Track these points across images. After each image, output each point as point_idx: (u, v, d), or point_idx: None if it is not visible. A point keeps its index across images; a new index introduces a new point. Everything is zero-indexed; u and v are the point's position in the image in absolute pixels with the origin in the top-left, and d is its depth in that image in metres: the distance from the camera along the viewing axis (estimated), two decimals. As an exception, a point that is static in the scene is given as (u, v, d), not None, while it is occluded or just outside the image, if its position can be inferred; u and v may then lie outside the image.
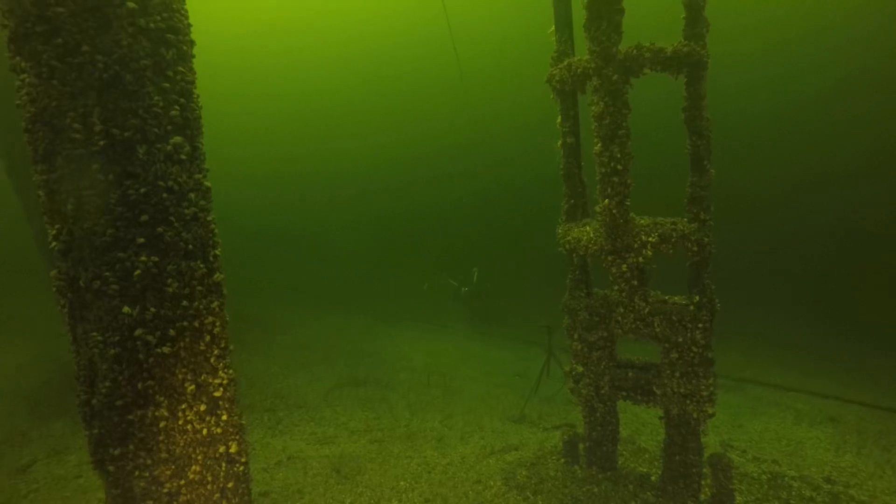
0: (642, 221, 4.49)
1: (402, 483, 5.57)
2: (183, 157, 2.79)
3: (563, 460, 5.69)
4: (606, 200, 4.31)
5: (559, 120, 4.92)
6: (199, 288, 2.92)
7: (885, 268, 15.87)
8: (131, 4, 2.53)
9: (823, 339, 13.77)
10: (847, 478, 6.01)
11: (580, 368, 5.13)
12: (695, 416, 4.56)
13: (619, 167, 4.23)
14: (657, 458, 5.90)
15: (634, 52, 4.14)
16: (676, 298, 4.73)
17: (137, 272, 2.64)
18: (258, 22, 33.19)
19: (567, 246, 4.86)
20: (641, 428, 7.32)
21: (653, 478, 5.31)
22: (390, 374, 10.13)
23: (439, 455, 6.35)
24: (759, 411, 8.70)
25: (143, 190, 2.62)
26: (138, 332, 2.67)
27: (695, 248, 4.34)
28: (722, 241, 4.59)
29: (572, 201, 4.97)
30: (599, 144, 4.27)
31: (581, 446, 5.50)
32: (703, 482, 4.88)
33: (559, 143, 4.96)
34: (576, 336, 5.10)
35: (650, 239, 4.28)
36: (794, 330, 14.56)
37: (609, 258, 4.44)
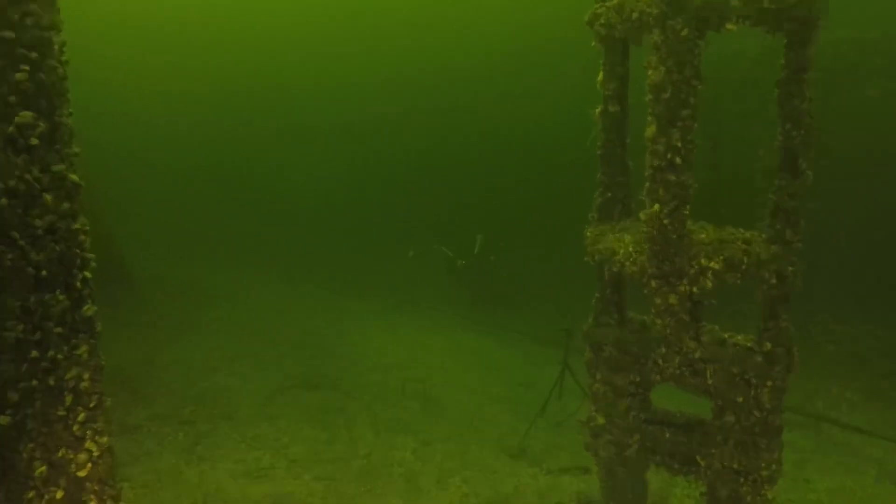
0: (702, 235, 4.20)
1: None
2: (34, 141, 2.46)
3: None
4: (656, 206, 4.00)
5: (600, 78, 4.54)
6: (58, 330, 2.67)
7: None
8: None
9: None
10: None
11: (601, 420, 4.95)
12: (749, 500, 4.42)
13: (679, 160, 3.90)
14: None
15: (716, -4, 3.74)
16: (740, 338, 4.50)
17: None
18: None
19: (596, 256, 4.59)
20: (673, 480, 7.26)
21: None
22: (354, 374, 10.03)
23: (405, 507, 6.29)
24: (830, 459, 8.65)
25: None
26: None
27: (773, 281, 4.07)
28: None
29: (609, 194, 4.66)
30: (654, 126, 3.93)
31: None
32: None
33: (597, 110, 4.60)
34: (598, 376, 4.90)
35: (712, 265, 4.00)
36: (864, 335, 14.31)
37: (653, 284, 4.17)
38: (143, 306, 11.28)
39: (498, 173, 24.36)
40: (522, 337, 13.06)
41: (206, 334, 10.53)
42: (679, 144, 3.85)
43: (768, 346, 4.23)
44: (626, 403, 4.83)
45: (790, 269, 4.10)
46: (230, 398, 8.44)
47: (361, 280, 16.48)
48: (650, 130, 3.94)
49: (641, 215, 4.13)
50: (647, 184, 4.07)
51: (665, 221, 4.00)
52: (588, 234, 4.69)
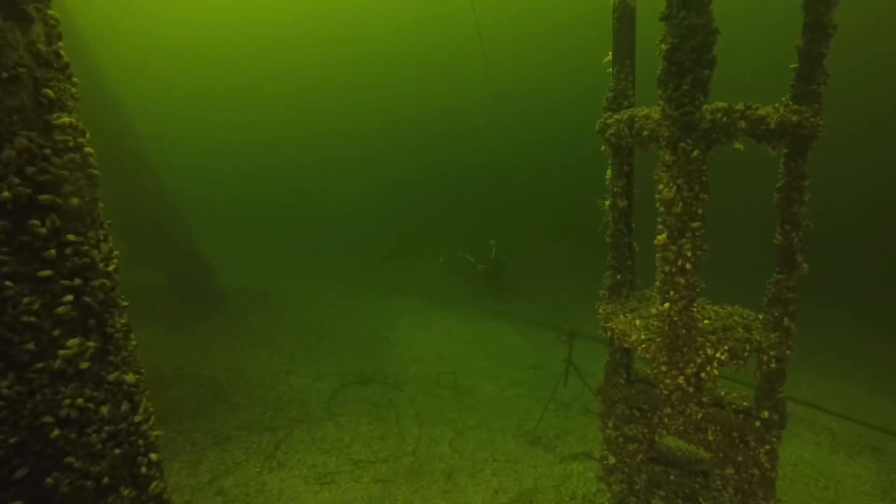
0: (706, 322, 3.57)
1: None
2: (83, 365, 1.92)
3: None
4: (667, 304, 3.38)
5: (609, 176, 3.87)
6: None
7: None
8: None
9: (845, 331, 12.89)
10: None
11: (612, 460, 4.41)
12: (747, 539, 3.87)
13: (689, 266, 3.26)
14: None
15: (723, 118, 3.04)
16: (735, 397, 3.90)
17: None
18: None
19: (609, 333, 3.98)
20: None
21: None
22: (399, 367, 9.59)
23: (448, 507, 5.85)
24: (789, 432, 8.04)
25: None
26: None
27: (773, 365, 3.45)
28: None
29: (618, 276, 4.02)
30: (665, 235, 3.28)
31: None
32: None
33: (606, 203, 3.94)
34: (610, 425, 4.34)
35: (718, 355, 3.39)
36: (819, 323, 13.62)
37: (663, 368, 3.57)
38: (231, 316, 10.89)
39: (508, 188, 23.66)
40: (530, 323, 12.51)
41: (283, 340, 10.11)
42: (689, 254, 3.21)
43: (766, 414, 3.63)
44: (634, 447, 4.28)
45: (788, 353, 3.47)
46: (303, 399, 8.04)
47: (403, 283, 15.94)
48: (661, 238, 3.29)
49: (653, 311, 3.51)
50: (658, 283, 3.44)
51: (675, 318, 3.38)
52: (601, 311, 4.08)
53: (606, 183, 3.90)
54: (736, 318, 3.66)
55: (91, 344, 1.87)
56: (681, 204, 3.13)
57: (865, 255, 15.21)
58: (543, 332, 11.81)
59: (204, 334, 9.81)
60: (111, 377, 1.98)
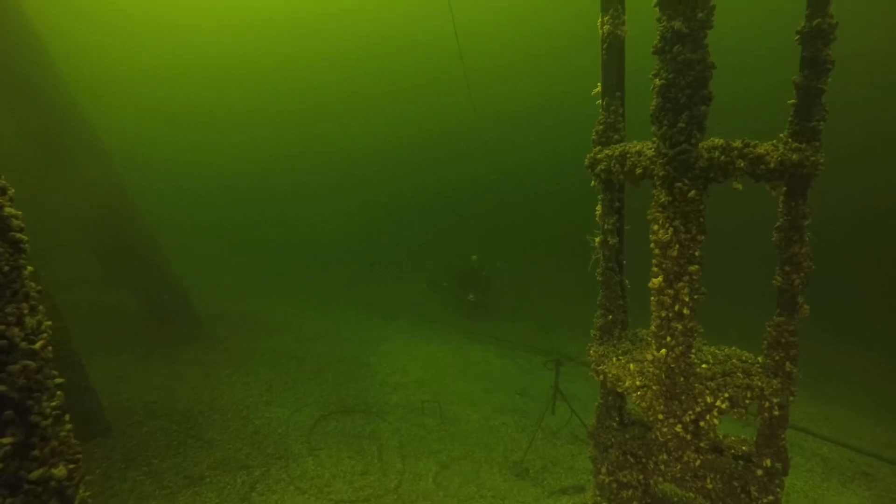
0: (703, 366, 3.36)
1: None
2: None
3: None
4: (663, 350, 3.16)
5: (598, 212, 3.66)
6: None
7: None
8: None
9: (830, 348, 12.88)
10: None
11: (606, 507, 4.15)
12: None
13: (686, 311, 3.05)
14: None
15: (721, 157, 2.86)
16: (733, 439, 3.68)
17: None
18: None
19: (600, 377, 3.75)
20: None
21: None
22: (381, 395, 9.25)
23: (432, 554, 5.52)
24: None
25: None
26: None
27: (775, 412, 3.24)
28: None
29: (610, 317, 3.80)
30: (661, 278, 3.06)
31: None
32: None
33: (596, 239, 3.73)
34: (603, 470, 4.09)
35: (718, 403, 3.17)
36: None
37: (660, 416, 3.35)
38: (208, 341, 10.46)
39: (490, 207, 23.63)
40: (515, 346, 12.26)
41: (262, 367, 9.70)
42: (687, 299, 3.00)
43: (769, 462, 3.41)
44: (629, 494, 4.03)
45: (791, 398, 3.27)
46: (280, 433, 7.65)
47: (385, 305, 15.60)
48: (656, 282, 3.08)
49: (648, 356, 3.29)
50: (653, 327, 3.22)
51: (672, 366, 3.16)
52: (592, 352, 3.85)
53: (596, 219, 3.69)
54: (735, 361, 3.46)
55: (6, 441, 1.58)
56: (677, 247, 2.93)
57: (850, 272, 15.28)
58: (529, 355, 11.57)
59: (178, 362, 9.38)
60: (34, 475, 1.68)
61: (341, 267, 20.35)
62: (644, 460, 3.85)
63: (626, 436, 3.89)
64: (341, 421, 8.23)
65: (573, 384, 9.90)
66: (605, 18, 3.32)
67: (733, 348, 3.61)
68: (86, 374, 6.52)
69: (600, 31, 3.29)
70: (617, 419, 3.96)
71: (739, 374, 3.30)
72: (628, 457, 3.90)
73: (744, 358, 3.48)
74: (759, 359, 3.44)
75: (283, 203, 27.84)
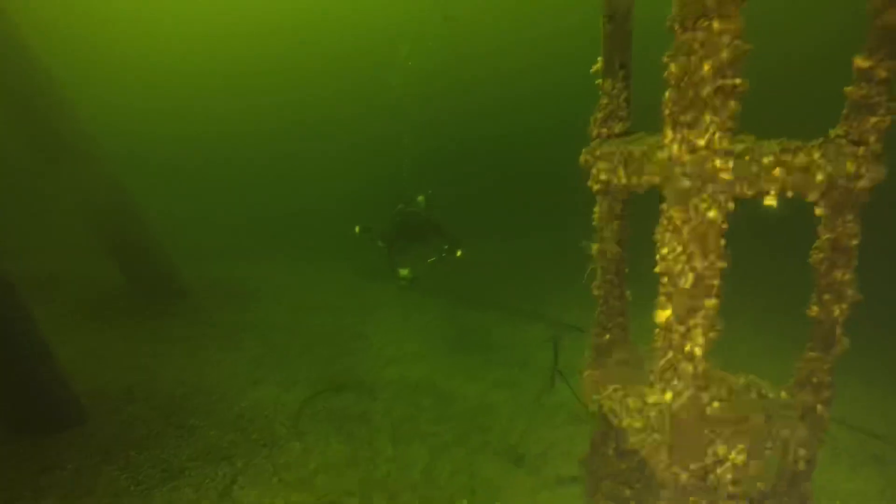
0: (715, 405, 2.82)
1: None
2: None
3: None
4: (669, 395, 2.61)
5: (596, 217, 3.03)
6: None
7: None
8: None
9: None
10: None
11: (599, 536, 3.74)
12: None
13: (698, 352, 2.48)
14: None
15: (751, 164, 2.20)
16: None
17: None
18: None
19: (595, 407, 3.24)
20: None
21: None
22: (375, 370, 8.91)
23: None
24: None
25: None
26: None
27: (800, 466, 2.72)
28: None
29: (607, 336, 3.24)
30: (670, 311, 2.48)
31: None
32: None
33: (594, 246, 3.12)
34: (597, 501, 3.65)
35: (733, 458, 2.65)
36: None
37: (661, 465, 2.84)
38: (196, 315, 10.07)
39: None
40: (516, 314, 11.80)
41: (251, 341, 9.31)
42: (701, 339, 2.42)
43: (787, 510, 2.93)
44: (625, 524, 3.60)
45: (818, 447, 2.74)
46: (267, 416, 7.34)
47: (381, 267, 14.97)
48: (663, 315, 2.50)
49: (651, 399, 2.75)
50: (659, 367, 2.66)
51: (679, 413, 2.62)
52: (585, 375, 3.32)
53: (594, 223, 3.07)
54: (753, 395, 2.91)
55: None
56: (692, 277, 2.32)
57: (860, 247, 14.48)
58: (530, 324, 11.14)
59: (162, 339, 9.02)
60: None
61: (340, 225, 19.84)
62: (643, 494, 3.39)
63: (623, 466, 3.42)
64: (332, 400, 7.92)
65: (573, 355, 9.48)
66: (609, -25, 2.58)
67: (751, 376, 3.06)
68: (55, 365, 6.14)
69: (602, -6, 2.56)
70: (613, 447, 3.48)
71: (759, 416, 2.76)
72: (625, 489, 3.44)
73: (761, 391, 2.94)
74: (783, 393, 2.89)
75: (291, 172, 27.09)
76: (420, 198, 10.51)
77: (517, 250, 17.73)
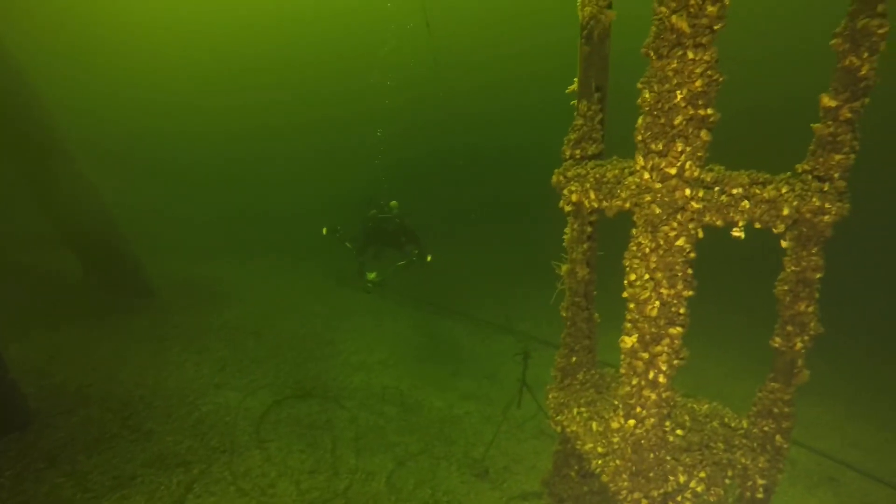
0: (678, 433, 2.81)
1: None
2: None
3: None
4: (631, 422, 2.58)
5: (567, 238, 3.00)
6: None
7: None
8: None
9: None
10: None
11: (559, 559, 3.69)
12: None
13: (662, 379, 2.45)
14: None
15: (721, 195, 2.19)
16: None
17: None
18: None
19: (559, 428, 3.19)
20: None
21: None
22: (342, 377, 8.75)
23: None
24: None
25: None
26: None
27: (758, 495, 2.71)
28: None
29: (574, 358, 3.21)
30: (635, 338, 2.44)
31: None
32: None
33: (563, 267, 3.08)
34: (557, 522, 3.60)
35: (693, 485, 2.63)
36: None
37: (623, 492, 2.80)
38: (161, 315, 9.76)
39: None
40: (486, 325, 11.77)
41: (216, 344, 9.06)
42: (664, 366, 2.39)
43: (743, 539, 2.92)
44: (585, 546, 3.56)
45: (779, 477, 2.74)
46: (228, 422, 7.12)
47: (353, 272, 14.85)
48: (628, 342, 2.46)
49: (614, 424, 2.71)
50: (622, 394, 2.63)
51: (641, 440, 2.59)
52: (550, 398, 3.28)
53: (564, 244, 3.04)
54: (716, 424, 2.91)
55: None
56: (658, 304, 2.30)
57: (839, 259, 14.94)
58: (500, 336, 11.12)
59: (124, 338, 8.71)
60: None
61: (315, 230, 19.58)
62: (604, 517, 3.36)
63: (586, 489, 3.38)
64: (296, 407, 7.73)
65: (544, 371, 9.49)
66: (588, -3, 2.56)
67: (714, 404, 3.05)
68: (2, 364, 5.83)
69: (580, 15, 2.54)
70: (576, 468, 3.44)
71: (720, 444, 2.75)
72: (586, 512, 3.40)
73: (726, 420, 2.93)
74: (745, 423, 2.89)
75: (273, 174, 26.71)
76: (393, 203, 10.69)
77: (492, 261, 17.77)
